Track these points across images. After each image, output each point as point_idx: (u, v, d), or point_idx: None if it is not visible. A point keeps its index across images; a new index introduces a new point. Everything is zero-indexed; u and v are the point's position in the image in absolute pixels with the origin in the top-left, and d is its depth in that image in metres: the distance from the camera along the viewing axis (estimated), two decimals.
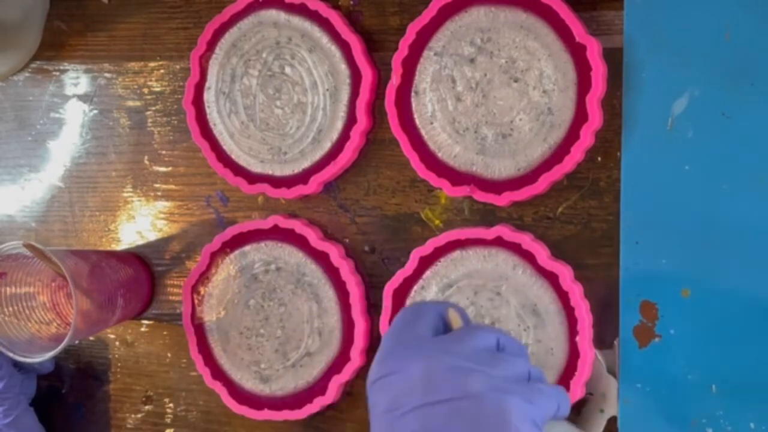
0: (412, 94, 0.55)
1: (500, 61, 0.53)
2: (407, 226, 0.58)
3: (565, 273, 0.52)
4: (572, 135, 0.52)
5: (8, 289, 0.59)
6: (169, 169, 0.64)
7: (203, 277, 0.61)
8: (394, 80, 0.55)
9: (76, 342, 0.66)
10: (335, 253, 0.57)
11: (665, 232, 0.50)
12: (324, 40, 0.57)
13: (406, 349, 0.37)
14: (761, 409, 0.48)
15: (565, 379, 0.51)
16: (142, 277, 0.63)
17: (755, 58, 0.49)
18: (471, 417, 0.34)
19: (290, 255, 0.59)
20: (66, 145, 0.67)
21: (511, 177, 0.53)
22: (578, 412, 0.53)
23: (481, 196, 0.54)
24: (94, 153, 0.66)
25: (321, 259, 0.58)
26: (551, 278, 0.52)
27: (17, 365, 0.60)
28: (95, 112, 0.66)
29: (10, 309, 0.58)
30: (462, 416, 0.34)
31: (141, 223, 0.65)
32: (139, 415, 0.65)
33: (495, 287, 0.53)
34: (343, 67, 0.57)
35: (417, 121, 0.55)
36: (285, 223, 0.58)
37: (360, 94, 0.56)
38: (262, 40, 0.59)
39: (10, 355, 0.56)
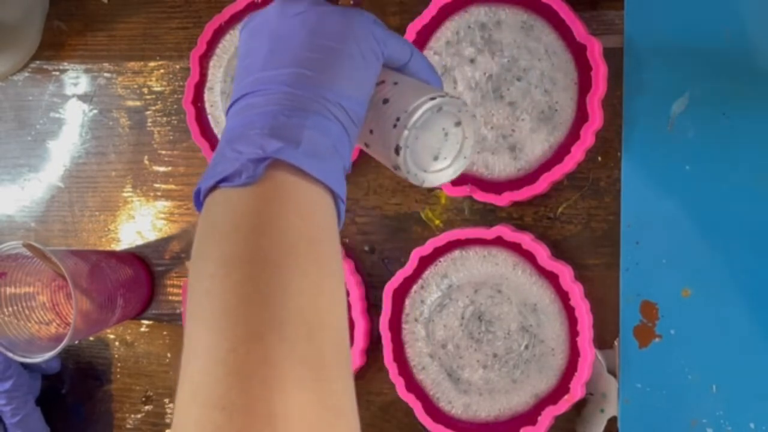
0: None
1: (501, 61, 0.53)
2: (407, 226, 0.58)
3: (565, 273, 0.51)
4: (573, 135, 0.52)
5: (8, 289, 0.59)
6: (169, 169, 0.64)
7: None
8: None
9: (76, 342, 0.66)
10: None
11: (665, 232, 0.50)
12: None
13: None
14: (761, 409, 0.48)
15: (565, 379, 0.51)
16: (141, 277, 0.63)
17: (755, 58, 0.49)
18: (315, 23, 0.36)
19: None
20: (66, 145, 0.67)
21: (511, 177, 0.53)
22: (578, 412, 0.53)
23: (481, 196, 0.54)
24: (94, 153, 0.66)
25: None
26: (551, 278, 0.52)
27: (24, 365, 0.60)
28: (95, 111, 0.66)
29: (10, 309, 0.58)
30: (308, 24, 0.36)
31: (141, 223, 0.65)
32: (139, 415, 0.65)
33: (495, 285, 0.53)
34: None
35: None
36: None
37: None
38: None
39: (10, 355, 0.56)
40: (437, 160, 0.39)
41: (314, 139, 0.34)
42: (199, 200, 0.35)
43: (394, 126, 0.36)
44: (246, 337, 0.29)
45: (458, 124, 0.38)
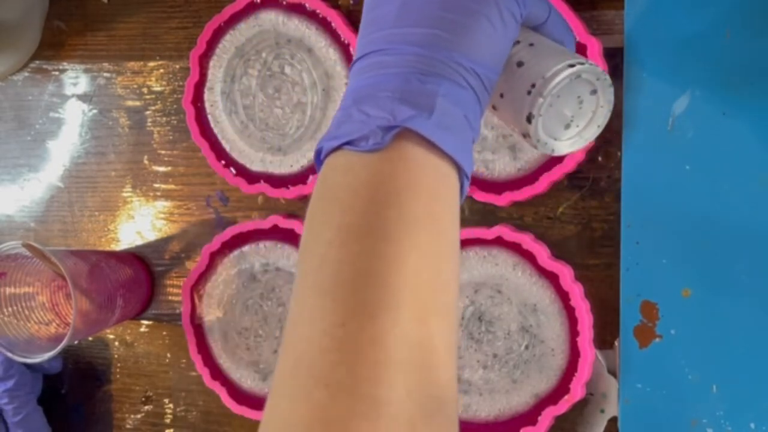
0: None
1: None
2: None
3: (565, 273, 0.51)
4: None
5: (8, 289, 0.59)
6: (169, 169, 0.64)
7: (203, 277, 0.61)
8: None
9: (76, 342, 0.66)
10: None
11: (666, 232, 0.50)
12: (321, 42, 0.57)
13: None
14: (761, 409, 0.48)
15: (565, 379, 0.51)
16: (141, 277, 0.63)
17: (755, 58, 0.49)
18: None
19: (290, 255, 0.58)
20: (65, 145, 0.67)
21: (511, 177, 0.53)
22: (579, 412, 0.53)
23: (481, 196, 0.54)
24: (94, 153, 0.66)
25: None
26: (551, 278, 0.52)
27: (26, 364, 0.60)
28: (94, 111, 0.66)
29: (10, 309, 0.58)
30: None
31: (140, 223, 0.65)
32: (138, 416, 0.65)
33: (495, 286, 0.53)
34: (339, 68, 0.57)
35: None
36: (285, 223, 0.58)
37: None
38: (261, 41, 0.59)
39: (9, 355, 0.56)
40: (569, 128, 0.37)
41: (446, 109, 0.32)
42: (319, 159, 0.34)
43: (528, 93, 0.35)
44: (357, 313, 0.28)
45: (594, 92, 0.36)
